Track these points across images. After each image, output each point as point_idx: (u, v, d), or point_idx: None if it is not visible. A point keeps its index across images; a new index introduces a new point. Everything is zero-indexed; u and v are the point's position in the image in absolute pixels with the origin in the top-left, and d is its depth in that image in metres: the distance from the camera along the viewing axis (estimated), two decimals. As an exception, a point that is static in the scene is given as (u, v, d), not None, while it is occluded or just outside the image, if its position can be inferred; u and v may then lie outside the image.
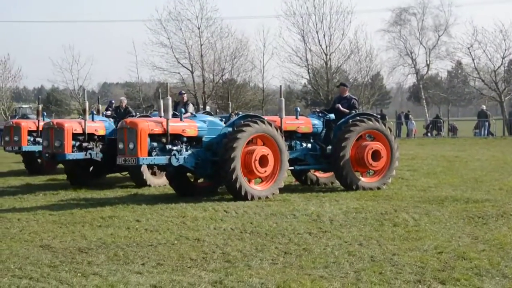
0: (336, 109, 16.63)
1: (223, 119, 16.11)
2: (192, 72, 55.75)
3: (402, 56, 68.35)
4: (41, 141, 18.27)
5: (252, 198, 14.17)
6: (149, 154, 13.91)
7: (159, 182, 17.63)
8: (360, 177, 16.11)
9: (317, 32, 53.73)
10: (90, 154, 17.65)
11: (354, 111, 16.63)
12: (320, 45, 54.06)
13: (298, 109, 16.74)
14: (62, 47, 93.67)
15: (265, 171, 14.62)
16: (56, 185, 18.51)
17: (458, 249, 9.04)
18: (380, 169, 16.20)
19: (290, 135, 15.88)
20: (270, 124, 14.77)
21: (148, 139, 13.89)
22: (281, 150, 14.84)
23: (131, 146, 13.79)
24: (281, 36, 70.04)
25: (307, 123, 16.22)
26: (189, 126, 14.55)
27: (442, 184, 16.65)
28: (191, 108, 19.73)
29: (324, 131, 16.51)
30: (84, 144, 17.66)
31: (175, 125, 14.29)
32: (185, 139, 14.43)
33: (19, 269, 8.36)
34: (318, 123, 16.42)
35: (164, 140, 14.12)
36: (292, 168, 15.79)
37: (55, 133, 17.23)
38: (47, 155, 17.47)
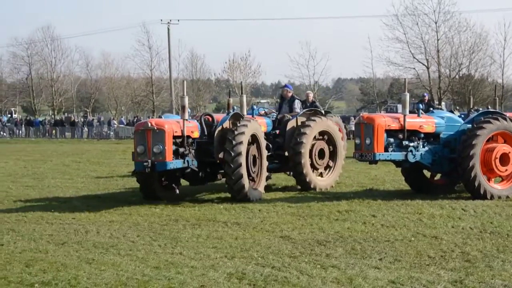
0: None
1: (462, 116, 15.69)
2: (427, 68, 55.04)
3: None
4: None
5: (492, 197, 13.68)
6: (385, 149, 13.91)
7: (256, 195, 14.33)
8: None
9: None
10: (187, 161, 13.99)
11: None
12: None
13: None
14: (299, 43, 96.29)
15: (506, 170, 14.06)
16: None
17: None
18: None
19: (535, 133, 15.10)
20: (512, 121, 14.18)
21: (385, 135, 13.89)
22: (523, 148, 14.18)
23: (367, 141, 13.87)
24: (524, 29, 66.52)
25: (552, 120, 15.32)
26: (426, 122, 14.35)
27: None
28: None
29: None
30: (181, 150, 13.98)
31: (413, 121, 14.16)
32: (422, 135, 14.27)
33: (262, 258, 8.75)
34: None
35: (400, 136, 14.05)
36: (536, 167, 14.98)
37: (153, 136, 13.46)
38: (145, 164, 13.30)
